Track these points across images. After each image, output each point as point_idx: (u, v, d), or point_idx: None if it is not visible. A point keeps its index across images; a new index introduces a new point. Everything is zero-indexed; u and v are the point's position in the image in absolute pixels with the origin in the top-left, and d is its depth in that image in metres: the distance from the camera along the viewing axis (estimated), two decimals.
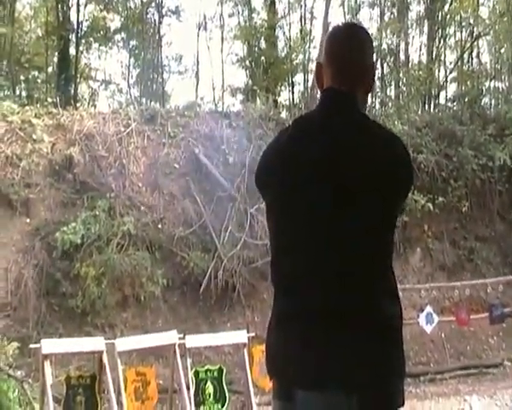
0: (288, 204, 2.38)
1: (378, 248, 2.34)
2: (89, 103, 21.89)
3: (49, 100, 16.92)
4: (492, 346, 13.94)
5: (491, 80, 21.04)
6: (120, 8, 22.77)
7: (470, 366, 13.11)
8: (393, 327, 2.37)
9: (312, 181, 2.32)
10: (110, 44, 23.00)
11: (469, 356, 13.64)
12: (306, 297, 2.31)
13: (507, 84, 19.92)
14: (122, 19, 22.85)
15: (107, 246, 13.07)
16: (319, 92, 2.57)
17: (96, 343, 10.27)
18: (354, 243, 2.29)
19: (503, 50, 19.94)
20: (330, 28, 2.80)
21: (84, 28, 22.26)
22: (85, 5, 22.00)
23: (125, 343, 10.52)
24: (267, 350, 2.49)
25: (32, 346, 8.70)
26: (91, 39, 22.83)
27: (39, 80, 22.81)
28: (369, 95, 2.67)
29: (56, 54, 21.72)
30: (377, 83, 20.13)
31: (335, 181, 2.29)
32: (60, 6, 21.25)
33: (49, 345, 9.64)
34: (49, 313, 12.49)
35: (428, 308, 11.76)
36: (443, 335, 13.27)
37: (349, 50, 2.48)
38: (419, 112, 18.15)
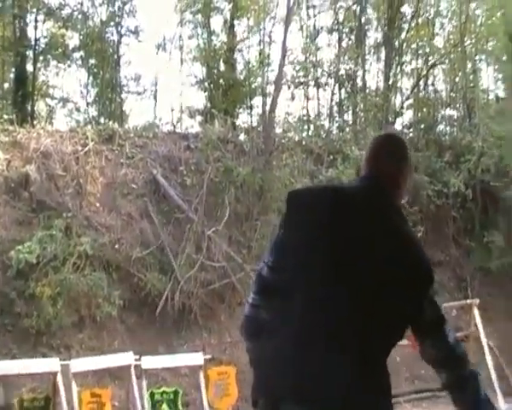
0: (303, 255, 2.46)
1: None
2: (46, 121, 21.53)
3: (6, 117, 16.69)
4: None
5: (446, 108, 21.47)
6: (79, 27, 22.55)
7: (424, 389, 13.26)
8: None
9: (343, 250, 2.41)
10: (68, 62, 22.72)
11: (424, 380, 13.76)
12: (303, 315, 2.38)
13: (461, 112, 20.32)
14: (81, 37, 22.67)
15: (64, 266, 12.90)
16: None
17: (50, 364, 10.22)
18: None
19: (457, 79, 20.37)
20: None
21: (42, 45, 22.01)
22: (43, 21, 21.77)
23: (81, 364, 10.47)
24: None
25: None
26: (49, 56, 22.55)
27: None
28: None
29: (13, 70, 21.47)
30: (335, 108, 20.42)
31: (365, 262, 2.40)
32: (17, 21, 21.04)
33: (2, 366, 9.52)
34: (2, 333, 12.25)
35: None
36: (398, 359, 13.39)
37: (388, 152, 2.72)
38: None
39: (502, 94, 21.06)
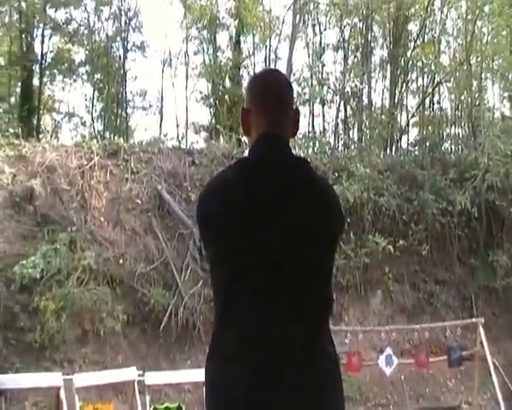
0: (239, 247, 2.37)
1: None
2: (51, 135, 21.67)
3: (11, 130, 16.76)
4: (451, 388, 14.04)
5: (451, 126, 21.45)
6: (85, 42, 22.70)
7: (429, 408, 13.21)
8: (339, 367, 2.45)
9: (261, 224, 2.36)
10: (74, 77, 22.87)
11: (428, 398, 13.71)
12: (254, 332, 2.31)
13: (466, 130, 20.26)
14: (87, 52, 22.79)
15: (68, 280, 12.90)
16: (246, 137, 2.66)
17: (53, 379, 10.14)
18: (303, 281, 2.36)
19: (462, 97, 20.33)
20: (253, 74, 2.96)
21: (49, 60, 22.13)
22: (50, 36, 21.91)
23: (84, 379, 10.40)
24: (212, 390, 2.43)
25: None
26: (55, 71, 22.69)
27: (1, 110, 22.49)
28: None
29: (19, 84, 21.53)
30: (340, 125, 20.41)
31: (283, 223, 2.36)
32: (24, 36, 21.14)
33: (5, 380, 9.45)
34: (5, 347, 12.21)
35: (388, 350, 11.81)
36: (402, 377, 13.32)
37: (281, 95, 2.60)
38: (381, 155, 18.34)
39: (507, 112, 21.06)
